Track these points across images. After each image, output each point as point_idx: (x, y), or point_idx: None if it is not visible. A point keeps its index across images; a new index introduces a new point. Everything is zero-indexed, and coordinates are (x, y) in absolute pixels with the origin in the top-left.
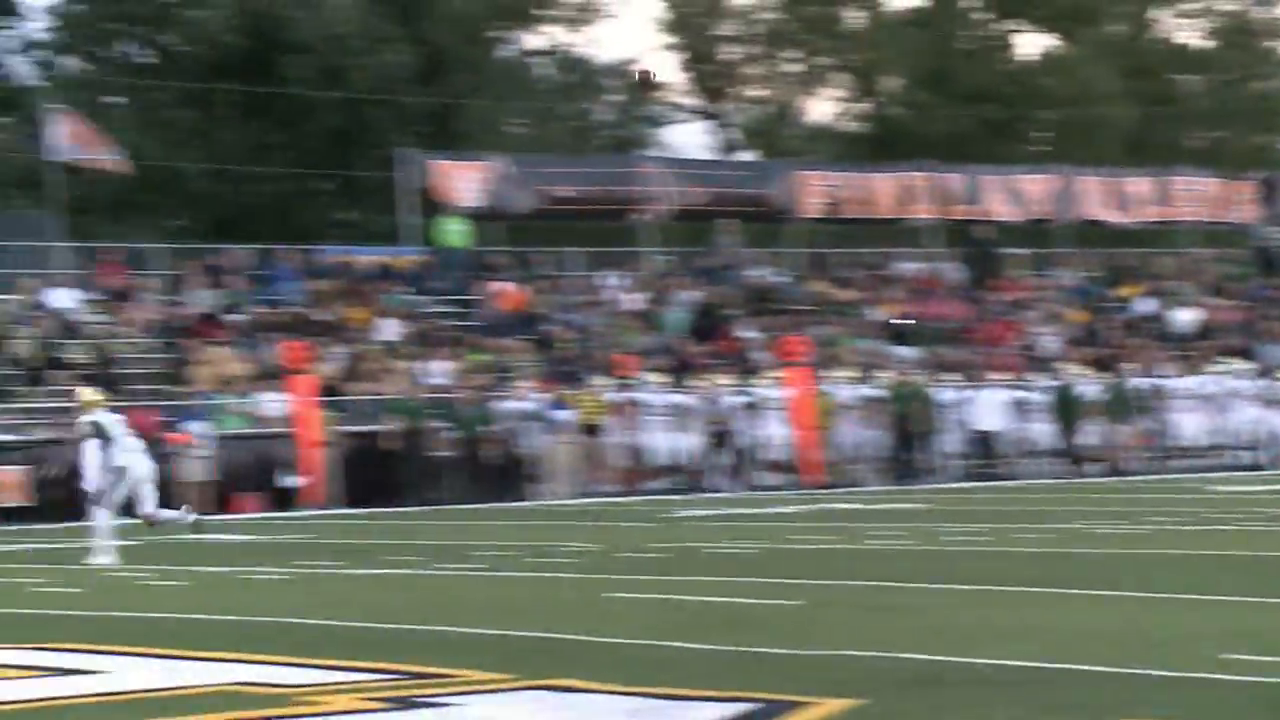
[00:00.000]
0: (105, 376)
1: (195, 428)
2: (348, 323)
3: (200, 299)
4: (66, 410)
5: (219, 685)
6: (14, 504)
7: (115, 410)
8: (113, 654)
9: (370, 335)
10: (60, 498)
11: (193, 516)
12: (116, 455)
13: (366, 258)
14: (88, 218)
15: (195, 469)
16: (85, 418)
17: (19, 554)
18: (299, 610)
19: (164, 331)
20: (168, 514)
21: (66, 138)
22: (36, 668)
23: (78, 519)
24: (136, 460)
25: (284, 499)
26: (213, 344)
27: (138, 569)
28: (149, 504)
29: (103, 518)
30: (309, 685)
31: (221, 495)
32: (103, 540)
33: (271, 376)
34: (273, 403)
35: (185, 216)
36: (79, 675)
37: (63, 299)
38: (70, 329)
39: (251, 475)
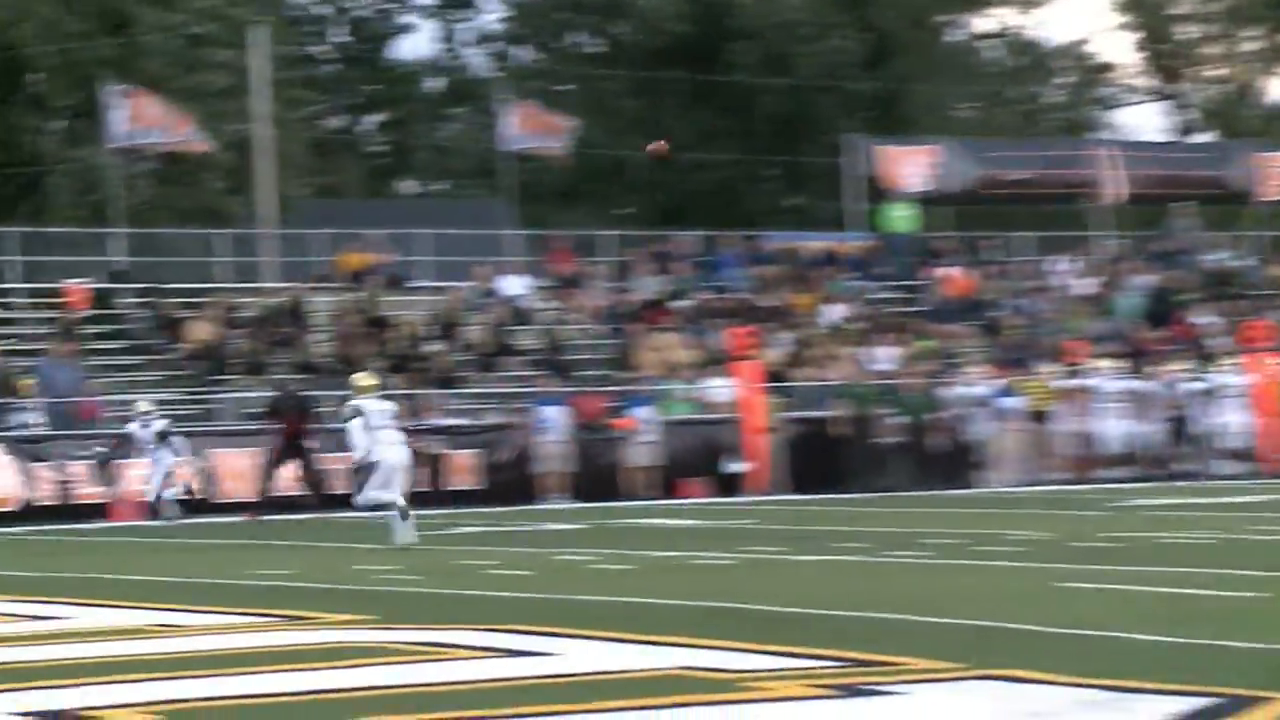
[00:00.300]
0: (554, 363)
1: (642, 413)
2: (793, 309)
3: (647, 285)
4: (517, 395)
5: (666, 669)
6: (465, 487)
7: (393, 397)
8: (563, 636)
9: (816, 321)
10: (510, 481)
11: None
12: (372, 446)
13: (812, 243)
14: (539, 205)
15: (641, 454)
16: (352, 401)
17: (472, 535)
18: (744, 595)
19: (612, 318)
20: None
21: (519, 127)
22: (489, 649)
23: (527, 502)
24: (392, 451)
25: (729, 484)
26: (659, 330)
27: (587, 552)
28: (398, 488)
29: (365, 499)
30: (755, 671)
31: (667, 480)
32: (397, 522)
33: (717, 362)
34: (718, 388)
35: (633, 203)
36: (530, 657)
37: (514, 286)
38: (521, 315)
39: (697, 461)
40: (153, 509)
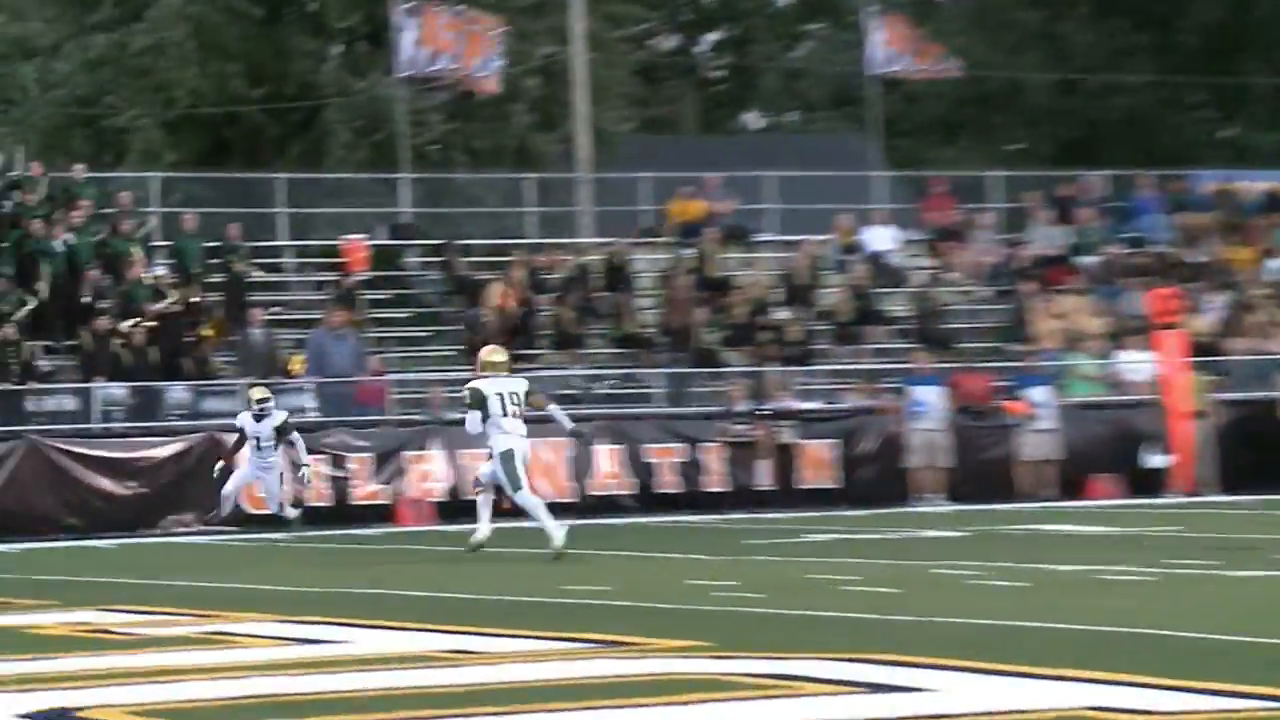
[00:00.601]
0: (930, 333)
1: (1037, 395)
2: (1228, 265)
3: (1045, 237)
4: (884, 373)
5: (1069, 710)
6: (820, 485)
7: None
8: (939, 668)
9: (1257, 280)
10: (874, 478)
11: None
12: (493, 435)
13: (1253, 184)
14: (911, 141)
15: (1037, 445)
16: (472, 383)
17: (823, 544)
18: (1165, 620)
19: (1000, 278)
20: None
21: (887, 45)
22: (848, 682)
23: (895, 504)
24: (513, 443)
25: (1146, 482)
26: (1060, 292)
27: (969, 565)
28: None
29: (525, 497)
30: (1180, 713)
31: (1069, 476)
32: (482, 524)
33: (1132, 332)
34: (1133, 364)
35: (1027, 137)
36: (898, 693)
37: (881, 239)
38: (889, 275)
39: (1107, 453)
40: (282, 518)
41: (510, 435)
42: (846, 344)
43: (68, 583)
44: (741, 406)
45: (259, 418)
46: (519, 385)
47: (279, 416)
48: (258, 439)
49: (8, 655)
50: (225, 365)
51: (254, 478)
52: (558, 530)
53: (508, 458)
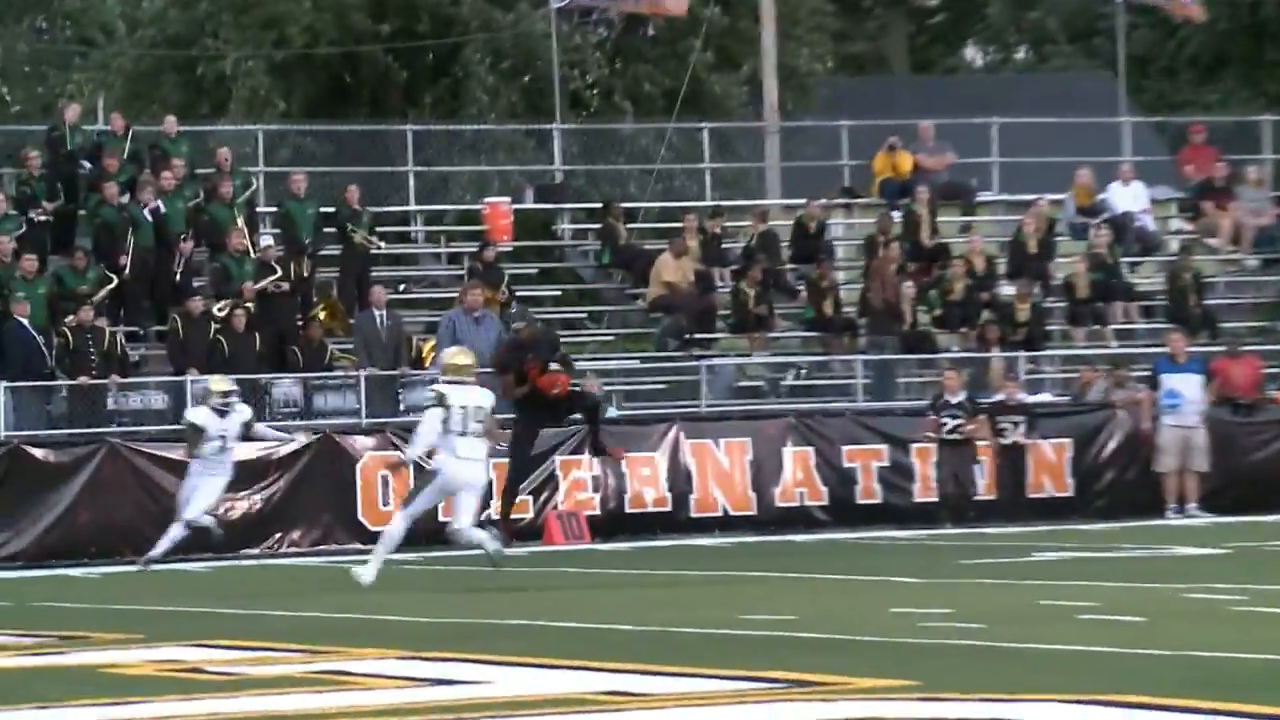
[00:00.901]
0: (1184, 310)
1: None
2: None
3: None
4: (1130, 359)
5: None
6: (1052, 494)
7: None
8: (1192, 710)
9: None
10: (1117, 484)
11: (494, 545)
12: (440, 452)
13: None
14: (1165, 81)
15: None
16: (436, 386)
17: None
18: None
19: (1271, 244)
20: (479, 535)
21: None
22: None
23: (1142, 516)
24: (464, 468)
25: None
26: None
27: (1229, 589)
28: (464, 516)
29: (396, 520)
30: None
31: None
32: (379, 550)
33: None
34: None
35: None
36: None
37: (1127, 198)
38: (1138, 241)
39: None
40: (191, 529)
41: (462, 461)
42: (1085, 325)
43: (154, 613)
44: (958, 400)
45: (222, 413)
46: (486, 400)
47: (245, 412)
48: (223, 438)
49: (85, 699)
50: (342, 354)
51: (196, 485)
52: (369, 570)
53: (431, 476)
